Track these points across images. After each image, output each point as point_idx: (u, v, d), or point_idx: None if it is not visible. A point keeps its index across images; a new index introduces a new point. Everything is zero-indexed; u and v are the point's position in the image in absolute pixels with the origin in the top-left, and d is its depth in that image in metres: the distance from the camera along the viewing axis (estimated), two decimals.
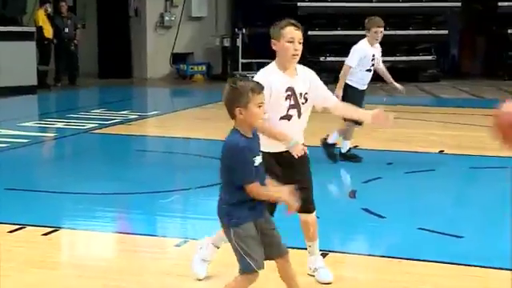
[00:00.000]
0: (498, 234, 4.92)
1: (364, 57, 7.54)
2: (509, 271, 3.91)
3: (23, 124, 10.93)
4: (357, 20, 18.22)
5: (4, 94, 14.00)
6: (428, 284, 4.10)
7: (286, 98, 3.86)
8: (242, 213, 3.37)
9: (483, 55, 18.34)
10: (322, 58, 15.92)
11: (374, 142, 9.02)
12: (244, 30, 17.37)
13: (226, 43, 17.65)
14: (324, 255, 4.26)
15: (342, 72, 7.39)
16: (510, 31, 16.84)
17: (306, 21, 17.38)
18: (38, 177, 8.19)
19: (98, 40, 19.01)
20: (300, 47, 4.00)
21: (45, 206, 6.41)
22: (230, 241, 3.51)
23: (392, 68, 14.68)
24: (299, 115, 3.89)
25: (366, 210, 5.71)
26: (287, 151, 3.85)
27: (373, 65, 7.76)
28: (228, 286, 3.51)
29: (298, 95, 3.89)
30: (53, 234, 5.35)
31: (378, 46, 7.66)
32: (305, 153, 3.88)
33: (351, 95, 6.75)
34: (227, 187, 3.48)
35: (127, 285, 4.10)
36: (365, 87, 7.84)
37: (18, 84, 14.65)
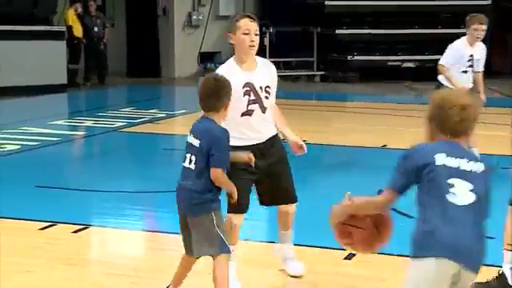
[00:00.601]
0: None
1: (460, 57, 7.04)
2: None
3: (53, 122, 11.08)
4: (384, 18, 18.16)
5: (35, 92, 14.22)
6: None
7: (245, 94, 3.89)
8: (218, 197, 3.55)
9: None
10: (349, 57, 15.94)
11: (403, 141, 8.85)
12: (271, 29, 17.36)
13: None
14: (351, 255, 4.22)
15: (439, 72, 7.02)
16: None
17: (333, 19, 17.34)
18: (68, 175, 8.31)
19: (127, 39, 19.23)
20: (256, 38, 4.02)
21: (75, 204, 6.47)
22: (209, 226, 3.56)
23: (421, 67, 14.61)
24: (263, 110, 3.88)
25: (394, 209, 5.58)
26: (264, 142, 3.92)
27: (470, 66, 7.12)
28: (219, 272, 3.55)
29: (259, 89, 3.90)
30: (82, 231, 5.40)
31: (479, 45, 7.04)
32: (281, 146, 4.03)
33: None
34: (204, 174, 3.56)
35: (155, 282, 4.11)
36: None
37: (48, 83, 14.81)
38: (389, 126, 10.09)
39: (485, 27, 6.80)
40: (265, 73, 3.96)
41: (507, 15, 18.30)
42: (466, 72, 7.01)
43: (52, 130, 10.54)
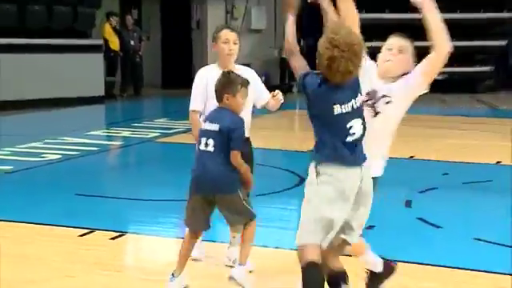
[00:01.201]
0: None
1: None
2: None
3: (92, 133, 11.30)
4: (411, 31, 18.36)
5: (73, 103, 14.52)
6: None
7: None
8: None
9: None
10: None
11: (431, 152, 8.97)
12: (302, 42, 16.82)
13: (284, 54, 17.58)
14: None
15: None
16: None
17: (364, 32, 17.47)
18: (105, 183, 8.48)
19: (162, 52, 19.55)
20: (235, 47, 4.46)
21: (112, 212, 6.58)
22: (239, 201, 3.91)
23: (449, 79, 14.53)
24: None
25: (422, 219, 5.66)
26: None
27: None
28: (249, 235, 3.90)
29: None
30: (119, 238, 5.47)
31: None
32: (251, 148, 4.41)
33: None
34: (226, 156, 3.82)
35: None
36: None
37: (86, 94, 15.13)
38: (416, 136, 10.07)
39: None
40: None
41: None
42: None
43: (90, 140, 10.73)
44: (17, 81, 14.21)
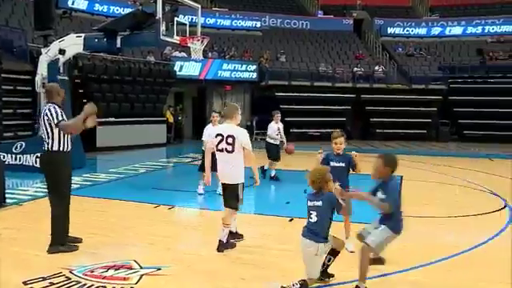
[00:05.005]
0: None
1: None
2: None
3: (160, 159, 15.93)
4: None
5: (152, 146, 19.73)
6: None
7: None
8: None
9: None
10: None
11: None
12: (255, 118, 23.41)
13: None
14: None
15: None
16: None
17: None
18: (166, 183, 11.58)
19: (193, 122, 26.18)
20: (217, 119, 7.59)
21: (169, 196, 9.44)
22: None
23: None
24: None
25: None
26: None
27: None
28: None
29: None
30: (173, 208, 8.18)
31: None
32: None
33: None
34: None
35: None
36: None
37: (157, 142, 20.54)
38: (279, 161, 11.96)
39: None
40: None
41: None
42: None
43: (159, 163, 14.78)
44: (114, 138, 17.96)
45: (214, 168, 6.01)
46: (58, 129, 5.99)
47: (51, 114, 6.00)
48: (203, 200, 9.54)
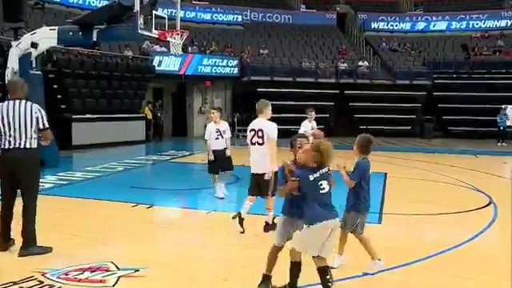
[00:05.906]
0: None
1: None
2: None
3: (138, 157, 15.92)
4: None
5: (129, 144, 19.77)
6: None
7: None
8: None
9: None
10: None
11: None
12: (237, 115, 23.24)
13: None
14: None
15: None
16: None
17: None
18: (145, 181, 11.71)
19: (172, 118, 26.67)
20: (217, 115, 8.28)
21: (147, 195, 9.57)
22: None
23: None
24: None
25: None
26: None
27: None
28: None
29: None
30: (152, 207, 8.25)
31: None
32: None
33: None
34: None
35: None
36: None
37: (135, 139, 20.71)
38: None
39: None
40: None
41: None
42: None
43: (137, 161, 14.91)
44: (90, 135, 17.92)
45: (216, 170, 6.75)
46: (38, 130, 5.94)
47: (42, 116, 5.99)
48: (182, 199, 9.72)
